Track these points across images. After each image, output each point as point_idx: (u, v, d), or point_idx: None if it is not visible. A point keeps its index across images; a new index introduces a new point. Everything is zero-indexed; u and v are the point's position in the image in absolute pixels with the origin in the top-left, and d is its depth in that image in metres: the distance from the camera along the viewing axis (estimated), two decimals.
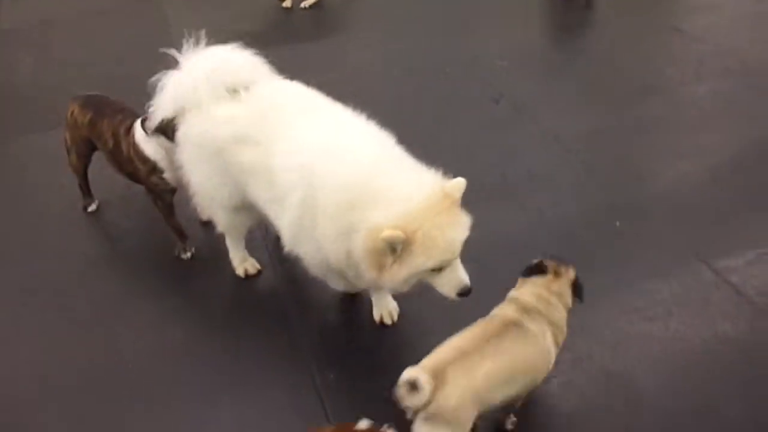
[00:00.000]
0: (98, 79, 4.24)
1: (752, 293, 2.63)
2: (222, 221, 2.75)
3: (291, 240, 2.28)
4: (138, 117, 2.83)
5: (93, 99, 3.08)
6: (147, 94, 2.60)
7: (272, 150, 2.24)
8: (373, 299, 2.58)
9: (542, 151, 3.58)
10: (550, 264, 2.07)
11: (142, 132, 2.76)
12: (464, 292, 2.03)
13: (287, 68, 4.59)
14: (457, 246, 1.98)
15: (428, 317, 2.59)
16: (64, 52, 5.14)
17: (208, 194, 2.64)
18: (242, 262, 2.89)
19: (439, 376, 1.76)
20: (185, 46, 2.51)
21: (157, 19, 5.39)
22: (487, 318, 2.02)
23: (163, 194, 2.90)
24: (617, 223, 3.02)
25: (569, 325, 2.08)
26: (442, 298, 2.45)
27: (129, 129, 2.85)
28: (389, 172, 2.04)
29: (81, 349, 2.66)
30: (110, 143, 2.93)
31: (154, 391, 2.47)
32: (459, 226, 1.99)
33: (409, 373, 1.75)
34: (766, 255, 2.82)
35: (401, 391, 1.75)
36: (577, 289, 2.08)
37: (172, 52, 2.52)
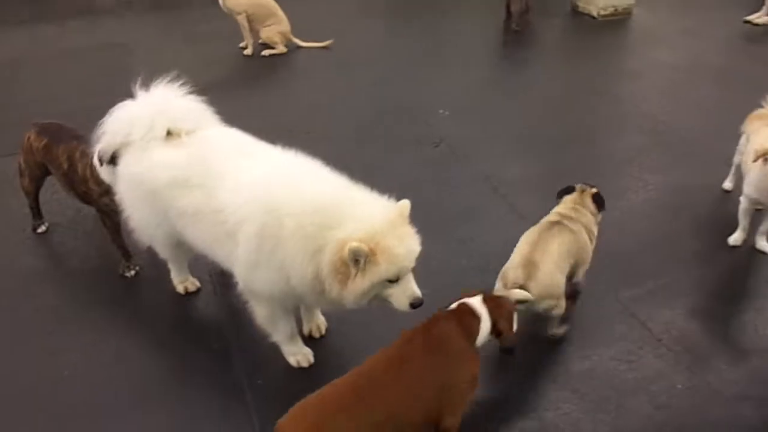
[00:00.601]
0: (60, 112, 4.39)
1: (644, 318, 2.94)
2: (162, 252, 2.89)
3: (247, 272, 2.31)
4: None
5: (49, 126, 3.27)
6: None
7: (216, 190, 2.31)
8: (303, 316, 2.78)
9: (472, 190, 3.91)
10: (577, 186, 2.89)
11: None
12: (417, 304, 2.17)
13: (246, 109, 4.93)
14: (414, 256, 2.16)
15: (350, 333, 2.83)
16: (30, 87, 5.35)
17: (146, 231, 2.74)
18: (182, 282, 3.05)
19: (531, 265, 2.51)
20: (140, 86, 2.63)
21: (121, 63, 5.64)
22: (537, 224, 2.75)
23: (112, 215, 3.07)
24: None
25: None
26: (363, 319, 2.68)
27: (85, 152, 3.04)
28: (351, 195, 2.22)
29: (20, 358, 2.76)
30: (65, 166, 3.11)
31: (88, 399, 2.57)
32: (414, 239, 2.19)
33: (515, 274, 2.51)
34: (661, 286, 3.15)
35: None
36: (597, 199, 2.86)
37: (131, 89, 2.64)
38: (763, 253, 3.39)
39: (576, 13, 7.17)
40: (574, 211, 2.80)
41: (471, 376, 2.13)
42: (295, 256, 2.14)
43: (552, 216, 2.79)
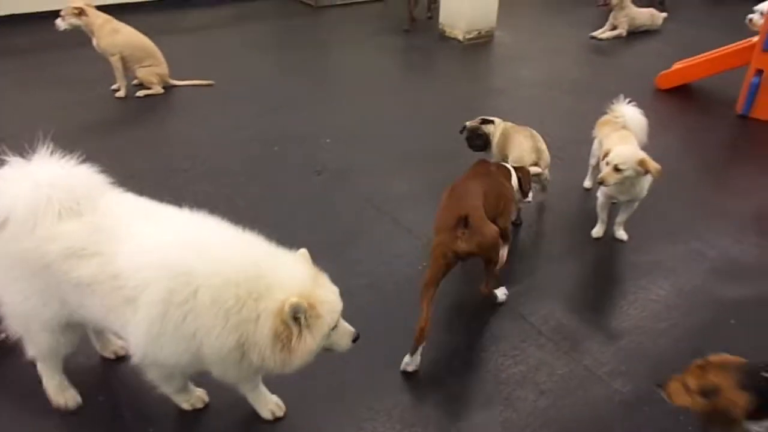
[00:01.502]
0: None
1: (525, 313, 3.16)
2: (40, 344, 2.45)
3: (149, 341, 2.11)
4: None
5: None
6: None
7: (115, 255, 2.14)
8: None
9: (357, 212, 4.01)
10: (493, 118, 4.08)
11: None
12: (356, 338, 2.24)
13: (122, 151, 4.77)
14: (339, 297, 2.18)
15: None
16: None
17: (24, 315, 2.38)
18: (61, 392, 2.63)
19: (539, 151, 3.75)
20: (12, 154, 2.29)
21: None
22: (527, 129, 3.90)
23: None
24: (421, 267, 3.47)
25: None
26: None
27: None
28: (267, 259, 2.13)
29: None
30: None
31: None
32: (329, 281, 2.20)
33: (530, 156, 3.74)
34: (538, 281, 3.41)
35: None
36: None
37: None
38: (621, 241, 3.75)
39: (444, 37, 7.61)
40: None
41: (512, 196, 3.34)
42: (212, 328, 2.03)
43: (501, 127, 3.98)
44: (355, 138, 5.09)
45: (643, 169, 3.34)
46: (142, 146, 4.87)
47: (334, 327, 2.15)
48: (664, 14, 8.02)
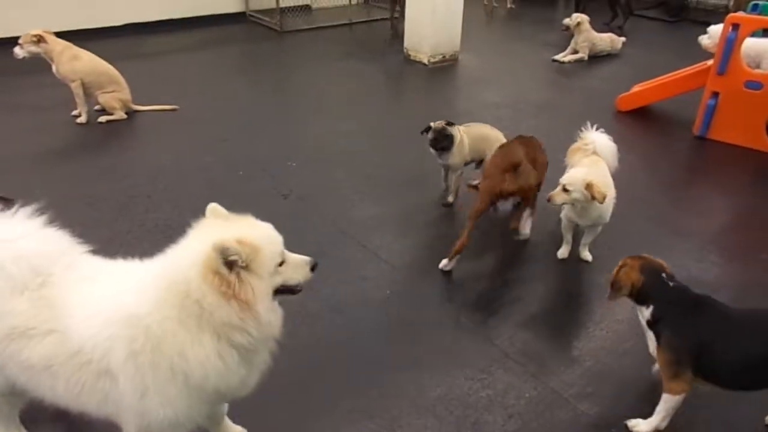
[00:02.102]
0: None
1: (492, 336, 3.14)
2: None
3: (139, 405, 1.92)
4: None
5: None
6: None
7: (68, 330, 1.93)
8: None
9: (324, 236, 3.98)
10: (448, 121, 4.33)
11: None
12: (314, 264, 2.08)
13: (84, 178, 4.66)
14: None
15: None
16: None
17: None
18: None
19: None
20: None
21: None
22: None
23: None
24: (388, 292, 3.46)
25: None
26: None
27: None
28: (175, 252, 1.94)
29: None
30: None
31: None
32: (258, 220, 2.00)
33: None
34: (504, 304, 3.41)
35: None
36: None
37: None
38: (586, 261, 3.78)
39: (409, 60, 7.70)
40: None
41: (545, 162, 3.98)
42: (183, 348, 1.87)
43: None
44: (322, 161, 5.07)
45: (589, 193, 3.37)
46: (103, 172, 4.78)
47: (282, 262, 1.95)
48: (623, 39, 8.26)
